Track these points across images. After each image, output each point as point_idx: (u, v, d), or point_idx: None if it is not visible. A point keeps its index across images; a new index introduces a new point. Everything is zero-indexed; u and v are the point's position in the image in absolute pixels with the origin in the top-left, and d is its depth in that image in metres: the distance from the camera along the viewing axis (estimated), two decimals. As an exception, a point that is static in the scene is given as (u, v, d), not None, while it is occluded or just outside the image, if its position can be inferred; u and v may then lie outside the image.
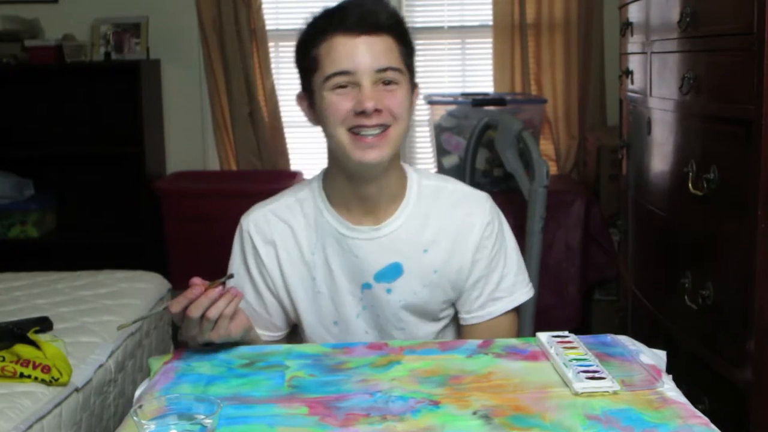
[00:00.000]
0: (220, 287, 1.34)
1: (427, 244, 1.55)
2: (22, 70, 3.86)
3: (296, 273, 1.57)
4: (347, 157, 1.47)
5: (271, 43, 3.95)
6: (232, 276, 1.42)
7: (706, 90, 1.83)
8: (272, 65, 3.94)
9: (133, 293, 2.48)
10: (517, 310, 1.65)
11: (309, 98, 1.52)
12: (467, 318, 1.61)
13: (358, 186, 1.52)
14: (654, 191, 2.24)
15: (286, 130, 4.00)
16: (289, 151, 4.03)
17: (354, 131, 1.45)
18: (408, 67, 1.50)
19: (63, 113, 3.99)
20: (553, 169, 3.88)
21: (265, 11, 3.90)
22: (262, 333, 1.61)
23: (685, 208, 1.97)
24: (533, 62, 3.92)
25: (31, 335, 1.88)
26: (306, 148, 4.12)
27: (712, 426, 1.12)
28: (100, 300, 2.40)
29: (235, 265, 1.62)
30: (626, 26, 2.54)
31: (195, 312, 1.31)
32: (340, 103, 1.44)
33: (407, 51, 1.50)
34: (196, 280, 1.33)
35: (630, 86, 2.51)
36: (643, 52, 2.32)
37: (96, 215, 4.06)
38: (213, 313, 1.32)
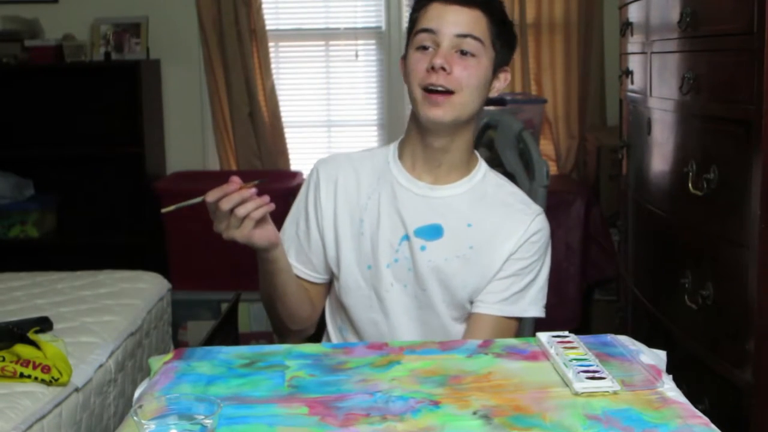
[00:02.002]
0: (254, 189, 1.44)
1: (473, 220, 1.62)
2: (22, 70, 3.86)
3: (347, 212, 1.65)
4: (418, 111, 1.57)
5: (271, 43, 3.95)
6: (263, 181, 1.51)
7: (706, 90, 1.83)
8: (272, 65, 3.94)
9: (133, 293, 2.48)
10: (520, 321, 1.68)
11: (406, 62, 1.61)
12: (479, 305, 1.63)
13: (426, 137, 1.60)
14: (654, 191, 2.24)
15: (286, 130, 4.00)
16: (289, 151, 4.03)
17: (426, 89, 1.54)
18: (493, 45, 1.57)
19: (63, 113, 3.99)
20: (553, 169, 3.88)
21: (265, 11, 3.90)
22: (299, 267, 1.68)
23: (685, 208, 1.97)
24: (533, 62, 3.92)
25: (31, 335, 1.88)
26: (306, 148, 4.12)
27: (712, 426, 1.12)
28: (100, 300, 2.40)
29: (298, 199, 1.73)
30: (626, 26, 2.54)
31: (225, 205, 1.43)
32: (419, 61, 1.55)
33: (497, 30, 1.58)
34: (235, 178, 1.45)
35: (630, 86, 2.52)
36: (643, 52, 2.32)
37: (96, 215, 4.06)
38: (241, 211, 1.43)
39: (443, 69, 1.51)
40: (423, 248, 1.60)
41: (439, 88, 1.53)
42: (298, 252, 1.68)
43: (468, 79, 1.53)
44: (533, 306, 1.64)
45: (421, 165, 1.63)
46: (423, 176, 1.63)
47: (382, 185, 1.65)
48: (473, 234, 1.60)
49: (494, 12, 1.58)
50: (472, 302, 1.63)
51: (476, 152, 1.70)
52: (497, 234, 1.61)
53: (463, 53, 1.53)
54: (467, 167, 1.65)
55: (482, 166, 1.69)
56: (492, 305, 1.61)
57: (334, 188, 1.67)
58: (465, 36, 1.53)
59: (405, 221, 1.61)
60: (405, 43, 1.64)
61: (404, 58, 1.63)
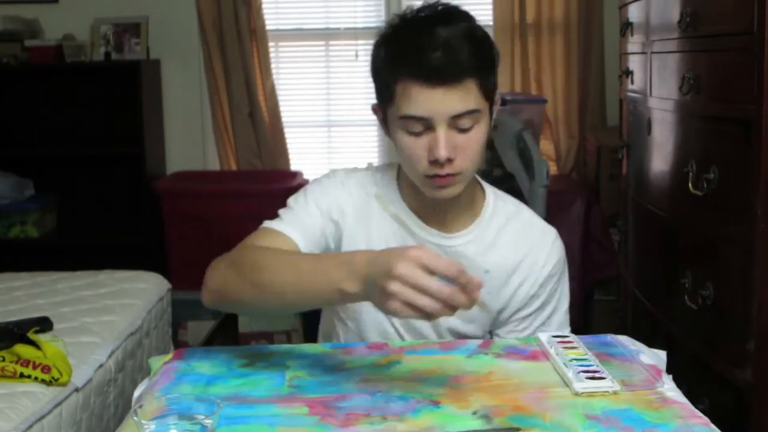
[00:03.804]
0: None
1: (489, 265, 1.52)
2: (22, 70, 3.86)
3: (362, 242, 1.51)
4: (420, 188, 1.45)
5: (271, 43, 3.95)
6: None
7: (706, 90, 1.83)
8: (272, 65, 3.94)
9: (134, 293, 2.48)
10: None
11: (383, 112, 1.45)
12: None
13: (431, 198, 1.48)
14: (654, 191, 2.24)
15: (286, 130, 4.00)
16: (289, 151, 4.03)
17: (428, 175, 1.40)
18: (488, 95, 1.40)
19: (63, 113, 3.99)
20: (553, 169, 3.88)
21: (265, 11, 3.90)
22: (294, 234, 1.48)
23: (685, 208, 1.97)
24: (533, 62, 3.92)
25: (31, 335, 1.88)
26: (306, 148, 4.12)
27: (712, 426, 1.12)
28: (101, 300, 2.40)
29: (316, 192, 1.54)
30: (626, 26, 2.54)
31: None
32: (415, 148, 1.39)
33: (489, 80, 1.40)
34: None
35: (630, 86, 2.52)
36: (643, 52, 2.32)
37: (96, 215, 4.06)
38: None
39: (449, 159, 1.36)
40: None
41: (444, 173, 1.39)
42: (302, 228, 1.50)
43: (473, 151, 1.39)
44: (561, 331, 1.57)
45: (427, 213, 1.51)
46: (430, 222, 1.51)
47: (392, 227, 1.51)
48: (490, 279, 1.50)
49: (486, 68, 1.39)
50: (491, 332, 1.59)
51: (478, 180, 1.58)
52: (514, 275, 1.53)
53: (462, 130, 1.37)
54: (474, 205, 1.54)
55: (490, 199, 1.56)
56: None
57: (354, 208, 1.53)
58: (462, 115, 1.36)
59: None
60: (376, 91, 1.44)
61: (379, 109, 1.47)
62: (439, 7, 1.41)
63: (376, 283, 1.12)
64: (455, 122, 1.36)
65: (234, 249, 1.44)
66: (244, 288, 1.32)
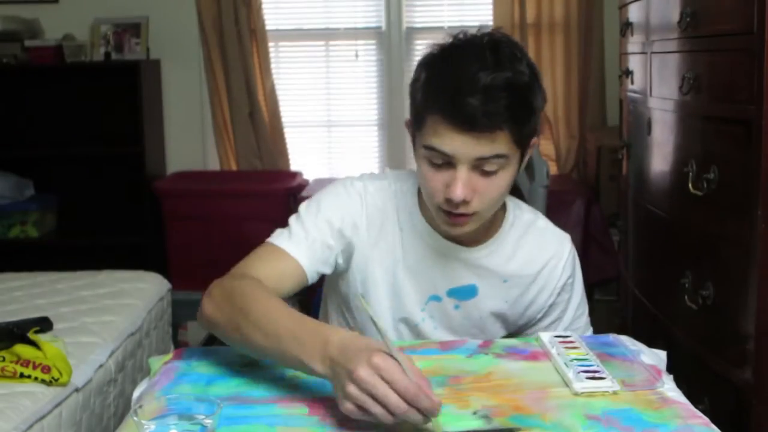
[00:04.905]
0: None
1: (508, 275, 1.52)
2: (22, 70, 3.86)
3: (382, 254, 1.51)
4: (436, 219, 1.43)
5: (271, 43, 3.95)
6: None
7: (706, 90, 1.83)
8: (272, 65, 3.94)
9: (133, 293, 2.48)
10: None
11: (413, 131, 1.41)
12: None
13: None
14: (654, 191, 2.24)
15: (286, 130, 4.00)
16: (289, 151, 4.03)
17: (442, 209, 1.38)
18: (521, 142, 1.34)
19: (63, 113, 4.00)
20: (553, 169, 3.88)
21: (265, 11, 3.91)
22: (300, 255, 1.45)
23: (686, 208, 1.97)
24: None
25: (31, 335, 1.88)
26: (306, 148, 4.12)
27: (713, 426, 1.12)
28: (100, 300, 2.40)
29: (326, 199, 1.51)
30: (626, 26, 2.54)
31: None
32: (434, 180, 1.35)
33: (525, 129, 1.33)
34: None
35: (630, 86, 2.52)
36: (643, 52, 2.32)
37: (96, 215, 4.06)
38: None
39: (464, 200, 1.33)
40: (456, 307, 1.53)
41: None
42: (307, 247, 1.47)
43: (493, 195, 1.35)
44: (584, 333, 1.59)
45: (445, 229, 1.46)
46: (450, 235, 1.48)
47: (411, 238, 1.50)
48: (508, 289, 1.53)
49: (520, 116, 1.31)
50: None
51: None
52: (533, 285, 1.54)
53: (486, 172, 1.32)
54: (495, 218, 1.50)
55: (509, 210, 1.54)
56: None
57: (370, 220, 1.51)
58: (487, 159, 1.31)
59: (436, 283, 1.51)
60: (411, 107, 1.40)
61: (411, 125, 1.42)
62: (485, 39, 1.33)
63: (337, 377, 1.09)
64: (480, 164, 1.32)
65: (234, 273, 1.41)
66: (230, 331, 1.30)
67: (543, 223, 1.58)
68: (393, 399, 1.04)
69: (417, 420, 1.06)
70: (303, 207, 1.52)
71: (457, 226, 1.39)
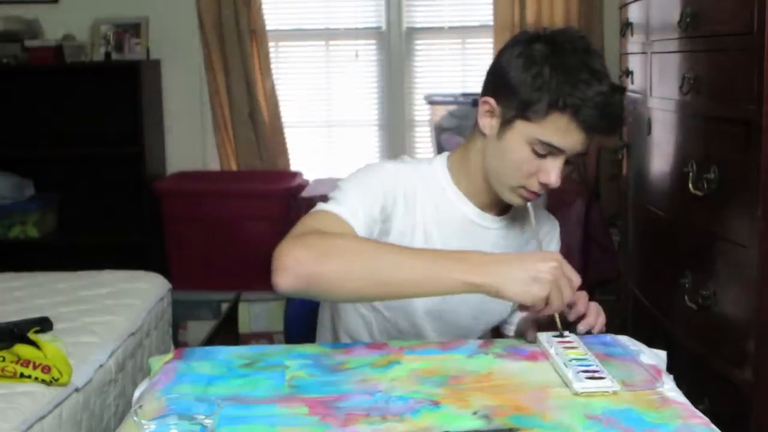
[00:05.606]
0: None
1: (522, 238, 1.63)
2: (22, 71, 3.86)
3: (420, 233, 1.53)
4: (501, 191, 1.50)
5: (271, 43, 3.95)
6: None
7: (707, 90, 1.83)
8: (272, 65, 3.94)
9: (134, 293, 2.48)
10: None
11: (503, 113, 1.46)
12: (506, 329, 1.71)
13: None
14: (654, 191, 2.24)
15: (286, 130, 4.00)
16: (289, 151, 4.04)
17: (519, 185, 1.47)
18: None
19: (63, 113, 3.99)
20: (554, 170, 3.87)
21: (265, 11, 3.90)
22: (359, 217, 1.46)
23: (686, 208, 1.97)
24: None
25: (31, 335, 1.88)
26: (306, 148, 4.12)
27: (713, 426, 1.12)
28: (101, 300, 2.40)
29: (364, 174, 1.53)
30: (626, 26, 2.54)
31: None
32: (529, 165, 1.44)
33: None
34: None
35: (630, 86, 2.52)
36: (644, 53, 2.32)
37: (96, 215, 4.06)
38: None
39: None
40: None
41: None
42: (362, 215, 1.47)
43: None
44: None
45: (485, 199, 1.56)
46: (482, 206, 1.56)
47: (445, 212, 1.55)
48: (522, 249, 1.63)
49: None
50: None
51: None
52: (540, 247, 1.61)
53: (568, 162, 1.45)
54: None
55: None
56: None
57: (410, 204, 1.53)
58: (581, 154, 1.45)
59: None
60: (501, 89, 1.46)
61: (492, 106, 1.47)
62: (581, 43, 1.45)
63: (524, 265, 1.27)
64: (570, 156, 1.44)
65: (300, 233, 1.36)
66: (341, 278, 1.29)
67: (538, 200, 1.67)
68: (569, 290, 1.30)
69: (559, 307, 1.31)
70: (343, 182, 1.51)
71: (528, 200, 1.50)
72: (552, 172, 1.43)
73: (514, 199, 1.50)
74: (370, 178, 1.52)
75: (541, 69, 1.41)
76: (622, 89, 1.44)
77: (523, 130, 1.43)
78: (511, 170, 1.47)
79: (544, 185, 1.45)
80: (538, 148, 1.42)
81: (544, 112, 1.40)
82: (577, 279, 1.30)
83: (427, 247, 1.52)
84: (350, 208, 1.44)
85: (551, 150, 1.42)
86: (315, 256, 1.29)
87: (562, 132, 1.40)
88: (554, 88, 1.39)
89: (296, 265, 1.28)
